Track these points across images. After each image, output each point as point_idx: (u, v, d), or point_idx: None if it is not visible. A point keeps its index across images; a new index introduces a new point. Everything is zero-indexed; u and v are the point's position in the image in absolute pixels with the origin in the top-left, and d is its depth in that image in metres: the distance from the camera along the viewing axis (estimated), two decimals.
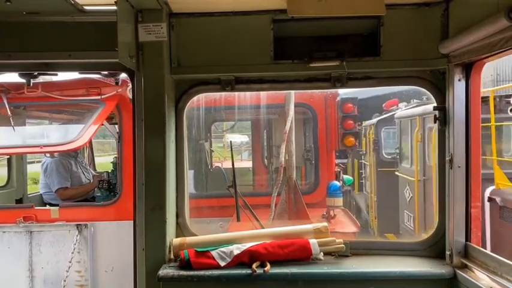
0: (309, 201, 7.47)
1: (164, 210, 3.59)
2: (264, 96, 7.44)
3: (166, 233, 3.60)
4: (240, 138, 18.59)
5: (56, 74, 5.27)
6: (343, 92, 8.31)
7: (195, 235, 3.80)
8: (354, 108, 8.28)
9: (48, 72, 4.66)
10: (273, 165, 8.88)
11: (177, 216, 3.83)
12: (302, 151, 8.59)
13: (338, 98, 8.35)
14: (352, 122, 8.19)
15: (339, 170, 8.71)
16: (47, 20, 3.63)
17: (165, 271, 3.43)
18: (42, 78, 5.98)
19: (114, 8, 3.17)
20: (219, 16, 3.65)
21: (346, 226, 7.23)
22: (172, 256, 3.61)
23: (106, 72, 5.79)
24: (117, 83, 6.25)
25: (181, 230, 3.83)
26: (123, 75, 5.85)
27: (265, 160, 10.49)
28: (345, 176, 8.32)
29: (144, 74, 3.57)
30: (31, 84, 5.94)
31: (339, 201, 7.79)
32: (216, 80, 3.77)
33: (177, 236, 3.77)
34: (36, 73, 5.31)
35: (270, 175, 9.39)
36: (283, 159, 6.73)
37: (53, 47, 3.66)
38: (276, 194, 6.63)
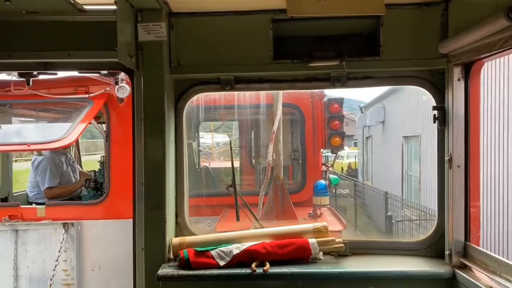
0: (296, 200, 7.51)
1: (164, 210, 3.59)
2: (253, 96, 7.43)
3: (165, 233, 3.60)
4: (216, 139, 17.99)
5: (56, 74, 5.26)
6: (330, 93, 8.34)
7: (195, 235, 3.80)
8: (341, 109, 8.31)
9: (48, 72, 4.65)
10: (261, 164, 8.86)
11: (177, 215, 3.83)
12: (289, 151, 8.61)
13: (325, 99, 8.37)
14: (338, 122, 8.22)
15: (325, 169, 8.72)
16: (47, 20, 3.63)
17: (165, 270, 3.44)
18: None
19: (114, 7, 3.17)
20: (219, 16, 3.65)
21: (332, 224, 7.25)
22: (171, 256, 3.62)
23: (106, 72, 5.78)
24: (116, 83, 6.23)
25: (181, 229, 3.83)
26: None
27: (253, 160, 10.50)
28: (331, 176, 8.32)
29: (143, 74, 3.57)
30: (31, 83, 5.92)
31: (326, 199, 7.84)
32: (216, 79, 3.76)
33: (176, 236, 3.77)
34: (35, 72, 5.30)
35: (257, 175, 9.36)
36: (270, 158, 6.72)
37: (53, 46, 3.65)
38: (263, 193, 6.61)
